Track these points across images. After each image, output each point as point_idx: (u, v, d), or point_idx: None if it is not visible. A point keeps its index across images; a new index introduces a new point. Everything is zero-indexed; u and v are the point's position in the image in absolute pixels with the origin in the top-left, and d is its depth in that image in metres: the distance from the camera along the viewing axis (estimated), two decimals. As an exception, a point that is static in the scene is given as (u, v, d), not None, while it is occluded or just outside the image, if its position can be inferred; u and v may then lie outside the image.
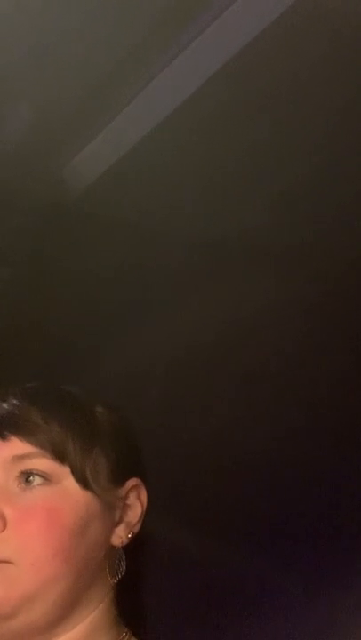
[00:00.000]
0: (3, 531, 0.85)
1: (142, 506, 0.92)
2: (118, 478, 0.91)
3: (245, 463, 2.00)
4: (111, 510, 0.90)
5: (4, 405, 0.92)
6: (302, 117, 1.41)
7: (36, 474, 0.87)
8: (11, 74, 1.38)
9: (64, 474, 0.88)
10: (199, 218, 1.63)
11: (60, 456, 0.88)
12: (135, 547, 0.91)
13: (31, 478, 0.87)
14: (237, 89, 1.36)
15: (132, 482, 0.92)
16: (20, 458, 0.88)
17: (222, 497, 2.03)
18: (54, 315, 1.82)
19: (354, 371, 1.91)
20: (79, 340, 1.87)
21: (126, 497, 0.92)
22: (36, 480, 0.87)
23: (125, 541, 0.90)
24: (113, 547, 0.90)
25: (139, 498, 0.93)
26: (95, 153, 1.50)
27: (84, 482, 0.88)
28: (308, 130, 1.43)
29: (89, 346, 1.89)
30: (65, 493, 0.87)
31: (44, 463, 0.88)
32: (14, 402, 0.91)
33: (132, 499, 0.92)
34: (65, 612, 0.86)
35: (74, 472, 0.88)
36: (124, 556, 0.90)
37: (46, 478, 0.87)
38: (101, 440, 0.91)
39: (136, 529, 0.92)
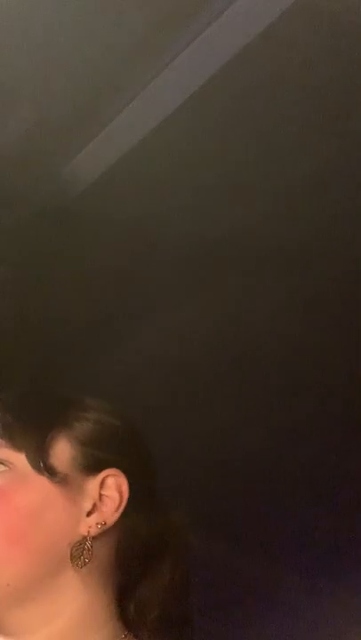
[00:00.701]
0: None
1: (121, 496, 0.92)
2: (89, 467, 0.92)
3: (245, 463, 2.00)
4: (78, 498, 0.90)
5: None
6: (302, 117, 1.41)
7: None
8: (11, 74, 1.37)
9: (20, 460, 0.90)
10: (199, 218, 1.63)
11: (14, 443, 0.90)
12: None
13: None
14: (237, 89, 1.36)
15: (108, 472, 0.92)
16: None
17: (222, 497, 2.03)
18: (54, 315, 1.82)
19: (355, 370, 1.91)
20: (79, 340, 1.87)
21: (102, 486, 0.91)
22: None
23: (94, 531, 0.89)
24: (81, 535, 0.89)
25: (118, 488, 0.92)
26: (95, 153, 1.50)
27: (37, 468, 0.89)
28: (309, 130, 1.43)
29: (89, 346, 1.89)
30: (19, 478, 0.89)
31: (1, 451, 0.91)
32: None
33: (108, 489, 0.92)
34: (22, 597, 0.86)
35: (28, 458, 0.90)
36: (89, 545, 0.88)
37: (5, 464, 0.90)
38: (68, 428, 0.92)
39: (111, 520, 0.91)
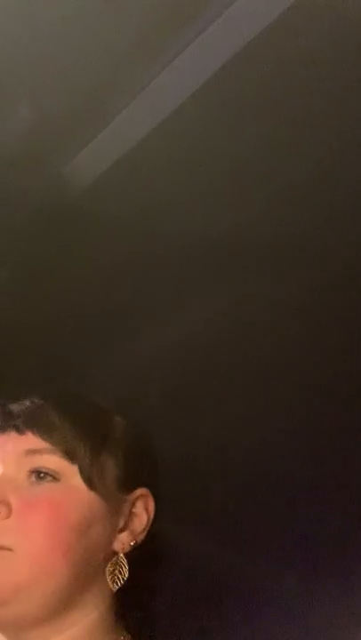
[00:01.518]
0: (7, 518, 0.87)
1: (148, 516, 0.95)
2: (126, 485, 0.94)
3: (245, 463, 2.00)
4: (116, 515, 0.92)
5: (25, 402, 0.96)
6: (303, 117, 1.41)
7: (47, 472, 0.90)
8: (11, 74, 1.37)
9: (72, 472, 0.91)
10: (200, 217, 1.63)
11: (69, 455, 0.91)
12: (144, 558, 0.92)
13: (42, 475, 0.90)
14: (237, 89, 1.36)
15: (140, 491, 0.95)
16: (33, 452, 0.91)
17: (222, 497, 2.03)
18: (54, 314, 1.82)
19: (356, 370, 1.91)
20: (79, 340, 1.87)
21: (133, 505, 0.94)
22: (47, 478, 0.90)
23: (127, 549, 0.92)
24: (114, 552, 0.91)
25: (146, 508, 0.95)
26: (95, 153, 1.50)
27: (90, 482, 0.90)
28: (309, 130, 1.43)
29: (89, 345, 1.89)
30: (71, 491, 0.90)
31: (54, 460, 0.91)
32: (34, 400, 0.95)
33: (138, 508, 0.95)
34: (57, 609, 0.87)
35: (81, 471, 0.91)
36: (125, 563, 0.91)
37: (55, 476, 0.90)
38: (112, 446, 0.94)
39: (140, 538, 0.94)
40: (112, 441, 0.95)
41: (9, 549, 0.86)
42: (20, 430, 0.93)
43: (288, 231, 1.66)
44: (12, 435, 0.93)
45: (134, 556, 0.92)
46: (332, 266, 1.72)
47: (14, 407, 0.96)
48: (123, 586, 0.90)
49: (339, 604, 2.07)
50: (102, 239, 1.67)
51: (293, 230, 1.66)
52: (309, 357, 1.89)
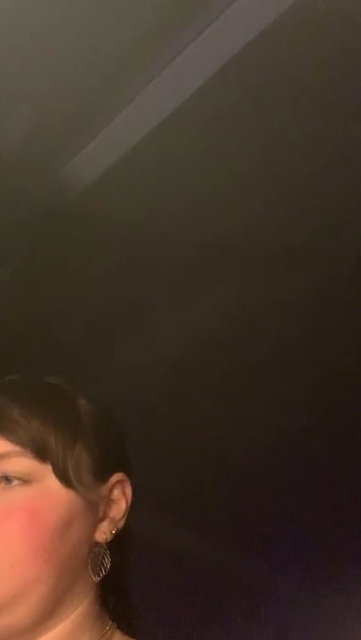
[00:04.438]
0: None
1: (127, 501, 0.90)
2: (102, 474, 0.89)
3: (246, 464, 2.00)
4: (94, 507, 0.88)
5: None
6: (303, 117, 1.41)
7: (14, 477, 0.84)
8: (11, 74, 1.37)
9: (45, 472, 0.86)
10: (199, 218, 1.63)
11: (40, 454, 0.85)
12: (119, 543, 0.89)
13: (11, 480, 0.85)
14: (237, 89, 1.36)
15: (117, 477, 0.90)
16: (1, 456, 0.85)
17: (222, 497, 2.02)
18: (54, 314, 1.82)
19: (355, 369, 1.91)
20: (79, 340, 1.87)
21: (110, 492, 0.89)
22: (14, 482, 0.84)
23: (109, 537, 0.88)
24: (96, 543, 0.87)
25: (123, 493, 0.90)
26: (95, 153, 1.50)
27: (66, 480, 0.86)
28: (309, 130, 1.43)
29: (89, 345, 1.89)
30: (46, 493, 0.85)
31: (23, 463, 0.85)
32: None
33: (116, 494, 0.90)
34: (47, 612, 0.84)
35: (55, 470, 0.86)
36: (108, 552, 0.87)
37: (26, 479, 0.85)
38: (84, 435, 0.88)
39: (120, 524, 0.89)
40: (82, 429, 0.88)
41: None
42: None
43: (287, 232, 1.66)
44: None
45: (112, 543, 0.88)
46: (332, 266, 1.72)
47: None
48: (107, 576, 0.87)
49: (339, 603, 2.07)
50: (101, 240, 1.67)
51: (292, 231, 1.66)
52: (309, 357, 1.89)
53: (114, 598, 0.89)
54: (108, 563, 0.87)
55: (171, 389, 1.92)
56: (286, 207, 1.61)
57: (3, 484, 0.85)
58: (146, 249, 1.69)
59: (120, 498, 0.90)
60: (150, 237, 1.67)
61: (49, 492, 0.85)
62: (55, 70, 1.37)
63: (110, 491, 0.89)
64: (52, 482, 0.85)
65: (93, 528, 0.87)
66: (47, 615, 0.84)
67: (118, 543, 0.89)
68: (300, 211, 1.62)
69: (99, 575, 0.86)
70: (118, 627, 0.89)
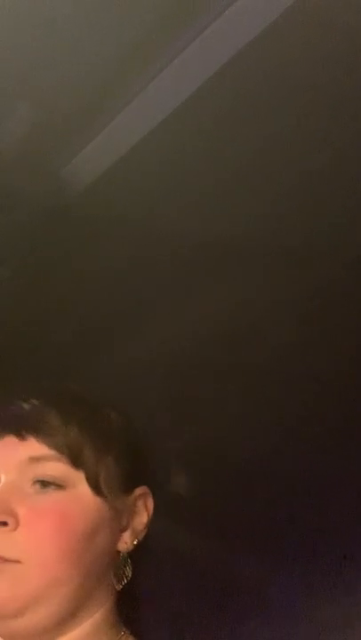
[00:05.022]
0: (15, 529, 0.85)
1: (148, 514, 0.93)
2: (128, 485, 0.92)
3: (246, 463, 2.00)
4: (119, 517, 0.90)
5: (24, 405, 0.92)
6: (303, 117, 1.41)
7: (51, 482, 0.88)
8: (11, 74, 1.37)
9: (78, 478, 0.88)
10: (199, 217, 1.63)
11: (75, 461, 0.88)
12: (138, 554, 0.92)
13: (45, 483, 0.88)
14: (237, 89, 1.36)
15: (140, 490, 0.93)
16: (36, 460, 0.88)
17: (222, 497, 2.02)
18: (54, 314, 1.82)
19: (355, 369, 1.91)
20: (79, 340, 1.87)
21: (134, 504, 0.92)
22: (50, 487, 0.88)
23: (130, 547, 0.91)
24: (118, 552, 0.90)
25: (145, 505, 0.93)
26: (95, 153, 1.50)
27: (96, 488, 0.89)
28: (309, 130, 1.43)
29: (89, 345, 1.89)
30: (77, 498, 0.88)
31: (58, 467, 0.88)
32: (34, 402, 0.92)
33: (139, 506, 0.93)
34: (69, 613, 0.87)
35: (88, 478, 0.89)
36: (129, 562, 0.90)
37: (60, 484, 0.88)
38: (115, 447, 0.92)
39: (141, 536, 0.92)
40: (113, 441, 0.92)
41: (18, 562, 0.84)
42: (21, 436, 0.89)
43: (287, 232, 1.66)
44: (13, 440, 0.90)
45: (132, 553, 0.91)
46: (332, 266, 1.72)
47: (12, 410, 0.92)
48: (126, 585, 0.90)
49: (339, 603, 2.07)
50: (102, 239, 1.67)
51: (292, 231, 1.66)
52: (309, 357, 1.89)
53: (128, 606, 0.92)
54: (129, 572, 0.90)
55: (171, 389, 1.92)
56: (287, 207, 1.61)
57: (38, 486, 0.88)
58: (146, 249, 1.69)
59: (142, 510, 0.93)
60: (150, 237, 1.67)
61: (80, 498, 0.88)
62: (55, 70, 1.37)
63: (134, 503, 0.92)
64: (83, 488, 0.88)
65: (117, 537, 0.90)
66: (68, 617, 0.87)
67: (138, 554, 0.92)
68: (300, 210, 1.62)
69: (121, 583, 0.90)
70: (131, 633, 0.92)
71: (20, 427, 0.90)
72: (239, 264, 1.73)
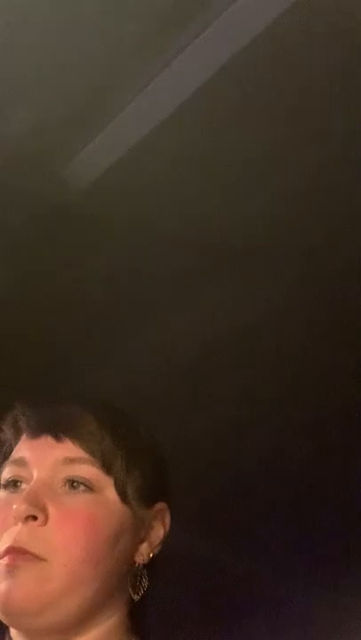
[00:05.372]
0: (44, 525, 0.87)
1: (165, 529, 0.95)
2: (151, 499, 0.94)
3: (245, 462, 2.00)
4: (139, 528, 0.93)
5: (62, 408, 0.94)
6: (302, 117, 1.41)
7: (82, 483, 0.90)
8: (11, 75, 1.38)
9: (107, 484, 0.91)
10: (199, 218, 1.63)
11: (107, 466, 0.91)
12: (152, 567, 0.94)
13: (75, 484, 0.90)
14: (237, 89, 1.36)
15: (160, 505, 0.95)
16: (71, 461, 0.90)
17: (222, 497, 2.03)
18: (54, 314, 1.82)
19: (354, 370, 1.91)
20: (79, 340, 1.87)
21: (153, 518, 0.94)
22: (81, 487, 0.90)
23: (146, 560, 0.93)
24: (135, 563, 0.92)
25: (163, 521, 0.95)
26: (95, 153, 1.50)
27: (123, 495, 0.91)
28: (309, 130, 1.43)
29: (89, 345, 1.89)
30: (104, 502, 0.90)
31: (90, 471, 0.90)
32: (72, 406, 0.94)
33: (157, 520, 0.95)
34: (86, 615, 0.88)
35: (117, 484, 0.91)
36: (145, 573, 0.92)
37: (90, 486, 0.90)
38: (144, 460, 0.94)
39: (157, 550, 0.94)
40: (142, 454, 0.94)
41: (44, 560, 0.86)
42: (57, 437, 0.91)
43: (287, 232, 1.66)
44: (49, 440, 0.92)
45: (147, 565, 0.94)
46: (332, 266, 1.72)
47: (49, 412, 0.94)
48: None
49: (339, 603, 2.07)
50: (102, 239, 1.67)
51: (293, 231, 1.66)
52: (309, 356, 1.89)
53: (139, 616, 0.94)
54: (145, 583, 0.92)
55: (170, 389, 1.92)
56: (286, 208, 1.61)
57: (68, 487, 0.90)
58: (146, 248, 1.69)
59: (160, 525, 0.95)
60: (150, 237, 1.67)
61: (108, 503, 0.90)
62: (56, 70, 1.37)
63: (154, 517, 0.95)
64: (111, 494, 0.90)
65: (135, 548, 0.92)
66: (86, 618, 0.88)
67: (152, 567, 0.94)
68: (300, 211, 1.62)
69: (137, 594, 0.91)
70: (141, 637, 0.94)
71: (57, 428, 0.92)
72: (240, 264, 1.73)
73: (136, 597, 0.91)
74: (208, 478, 1.98)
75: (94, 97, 1.41)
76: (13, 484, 0.91)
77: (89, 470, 0.90)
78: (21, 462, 0.92)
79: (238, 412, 1.96)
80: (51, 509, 0.88)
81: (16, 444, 0.95)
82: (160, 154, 1.48)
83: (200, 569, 2.00)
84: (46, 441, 0.92)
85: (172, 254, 1.71)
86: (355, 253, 1.68)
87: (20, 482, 0.91)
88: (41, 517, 0.87)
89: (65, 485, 0.90)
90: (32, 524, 0.87)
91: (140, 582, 0.92)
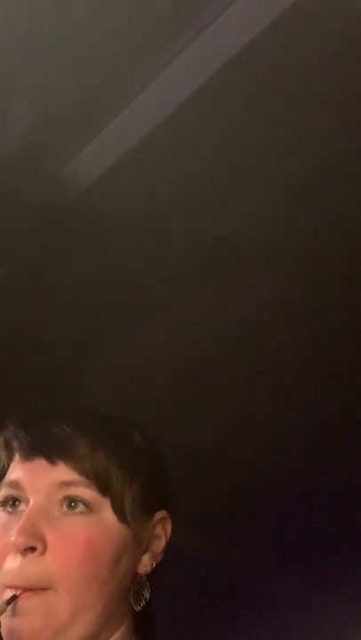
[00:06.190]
0: (42, 554, 0.87)
1: (166, 538, 0.95)
2: (150, 510, 0.94)
3: (245, 463, 2.00)
4: (140, 541, 0.93)
5: (55, 430, 0.93)
6: (302, 117, 1.41)
7: (80, 501, 0.89)
8: (11, 74, 1.37)
9: (104, 505, 0.90)
10: (199, 218, 1.63)
11: (102, 488, 0.90)
12: (154, 575, 0.95)
13: (73, 504, 0.90)
14: (237, 89, 1.36)
15: (161, 514, 0.95)
16: (66, 484, 0.90)
17: (222, 497, 2.02)
18: (54, 314, 1.82)
19: (354, 370, 1.91)
20: (79, 340, 1.87)
21: (154, 528, 0.94)
22: (79, 507, 0.90)
23: (149, 570, 0.93)
24: (138, 574, 0.92)
25: (164, 529, 0.95)
26: (95, 153, 1.50)
27: (121, 515, 0.91)
28: (309, 130, 1.43)
29: (89, 346, 1.89)
30: (103, 524, 0.90)
31: (87, 493, 0.90)
32: (64, 427, 0.93)
33: (158, 530, 0.95)
34: (93, 636, 0.89)
35: (114, 505, 0.91)
36: (148, 584, 0.93)
37: (87, 507, 0.89)
38: (139, 472, 0.93)
39: (159, 558, 0.94)
40: (138, 466, 0.94)
41: (48, 588, 0.86)
42: (51, 461, 0.91)
43: (288, 231, 1.66)
44: (43, 464, 0.91)
45: (149, 574, 0.94)
46: (332, 266, 1.72)
47: (43, 434, 0.93)
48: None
49: (339, 603, 2.07)
50: (102, 239, 1.67)
51: (293, 231, 1.66)
52: (309, 356, 1.89)
53: (142, 625, 0.94)
54: (148, 593, 0.92)
55: (170, 389, 1.92)
56: (286, 207, 1.61)
57: (65, 507, 0.90)
58: (146, 248, 1.69)
59: (162, 534, 0.95)
60: (150, 237, 1.67)
61: (105, 525, 0.90)
62: (56, 70, 1.37)
63: (154, 526, 0.95)
64: (108, 515, 0.90)
65: (137, 560, 0.93)
66: (95, 637, 0.89)
67: (154, 576, 0.94)
68: (300, 211, 1.62)
69: (140, 605, 0.92)
70: None
71: (50, 451, 0.91)
72: (240, 264, 1.73)
73: (138, 608, 0.91)
74: (207, 478, 1.98)
75: (94, 97, 1.41)
76: (12, 503, 0.91)
77: (84, 492, 0.90)
78: (17, 485, 0.92)
79: (238, 411, 1.96)
80: (49, 536, 0.88)
81: (8, 464, 0.94)
82: (160, 154, 1.48)
83: (200, 569, 2.00)
84: (40, 464, 0.91)
85: (172, 254, 1.71)
86: (356, 253, 1.68)
87: (19, 501, 0.91)
88: (40, 548, 0.87)
89: (62, 506, 0.90)
90: (31, 555, 0.87)
91: (141, 593, 0.92)
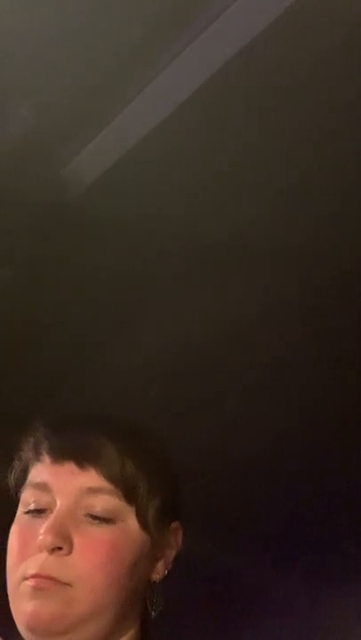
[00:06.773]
0: (68, 554, 0.89)
1: (178, 548, 0.98)
2: (167, 520, 0.96)
3: (246, 464, 2.00)
4: (156, 548, 0.95)
5: (86, 435, 0.95)
6: (302, 117, 1.41)
7: (103, 517, 0.91)
8: (11, 74, 1.38)
9: (128, 513, 0.92)
10: (199, 218, 1.63)
11: (128, 496, 0.92)
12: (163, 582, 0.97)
13: (98, 521, 0.91)
14: (237, 89, 1.36)
15: (175, 524, 0.97)
16: (95, 491, 0.92)
17: (222, 497, 2.03)
18: (54, 314, 1.82)
19: (354, 369, 1.91)
20: (79, 340, 1.87)
21: (168, 537, 0.97)
22: (103, 520, 0.91)
23: (161, 577, 0.95)
24: (150, 581, 0.95)
25: (177, 540, 0.98)
26: (95, 153, 1.50)
27: (145, 524, 0.93)
28: (308, 130, 1.43)
29: (89, 345, 1.89)
30: (126, 531, 0.92)
31: (111, 502, 0.92)
32: (95, 433, 0.95)
33: (172, 539, 0.97)
34: (108, 633, 0.92)
35: (138, 514, 0.93)
36: (161, 590, 0.95)
37: (112, 519, 0.91)
38: (163, 484, 0.96)
39: (170, 567, 0.96)
40: (161, 475, 0.96)
41: (69, 585, 0.89)
42: (81, 465, 0.92)
43: (287, 232, 1.66)
44: (72, 467, 0.93)
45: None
46: (332, 266, 1.72)
47: (73, 438, 0.95)
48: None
49: (339, 604, 2.07)
50: (102, 239, 1.67)
51: (292, 231, 1.66)
52: (309, 356, 1.89)
53: (151, 625, 0.97)
54: (161, 599, 0.95)
55: (170, 389, 1.92)
56: (286, 207, 1.61)
57: (90, 517, 0.92)
58: (146, 248, 1.70)
59: (174, 544, 0.98)
60: (150, 237, 1.67)
61: (129, 532, 0.92)
62: (56, 71, 1.37)
63: (169, 536, 0.97)
64: (132, 523, 0.93)
65: (152, 567, 0.95)
66: (108, 636, 0.92)
67: (164, 582, 0.97)
68: (300, 210, 1.62)
69: (154, 610, 0.95)
70: None
71: (81, 456, 0.93)
72: (239, 264, 1.73)
73: (153, 614, 0.94)
74: (207, 478, 1.98)
75: (94, 97, 1.41)
76: (37, 512, 0.93)
77: (110, 501, 0.92)
78: (44, 487, 0.93)
79: (238, 411, 1.96)
80: (75, 539, 0.90)
81: (33, 465, 0.96)
82: (160, 154, 1.48)
83: (200, 569, 2.00)
84: (70, 468, 0.93)
85: (172, 253, 1.71)
86: (357, 252, 1.68)
87: (44, 510, 0.92)
88: (66, 547, 0.89)
89: (88, 515, 0.91)
90: (58, 553, 0.89)
91: (155, 599, 0.95)
